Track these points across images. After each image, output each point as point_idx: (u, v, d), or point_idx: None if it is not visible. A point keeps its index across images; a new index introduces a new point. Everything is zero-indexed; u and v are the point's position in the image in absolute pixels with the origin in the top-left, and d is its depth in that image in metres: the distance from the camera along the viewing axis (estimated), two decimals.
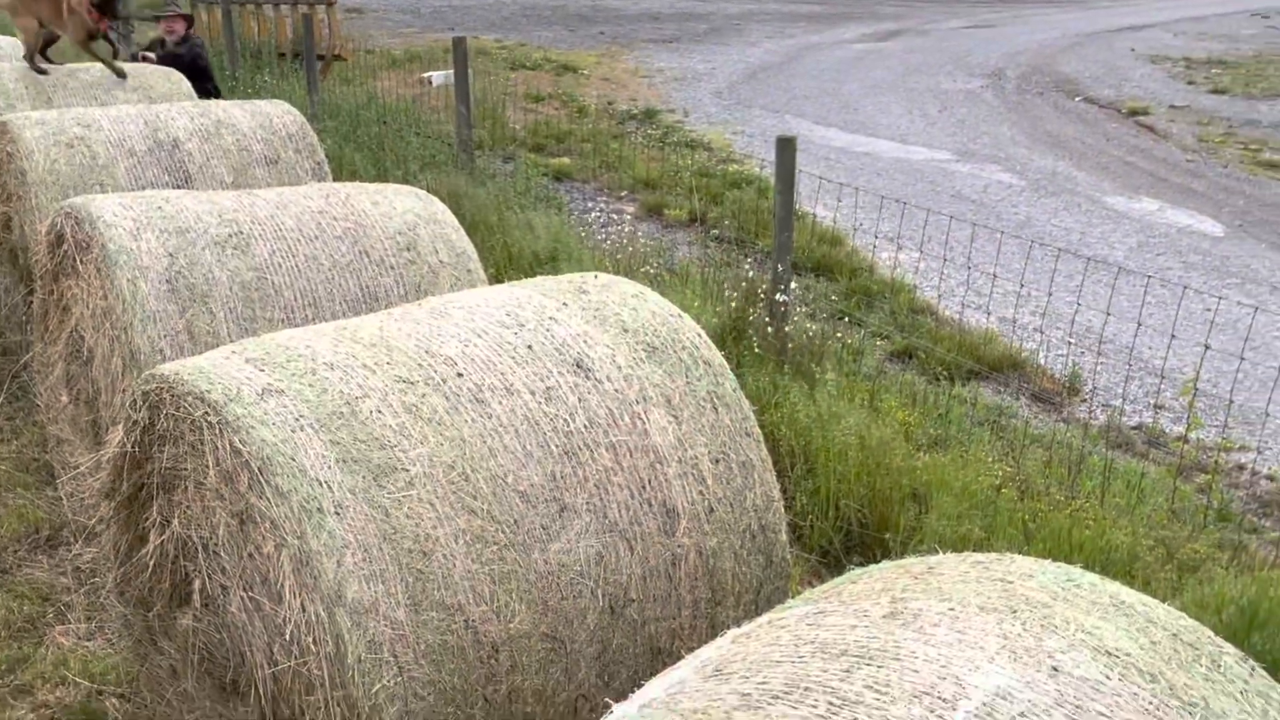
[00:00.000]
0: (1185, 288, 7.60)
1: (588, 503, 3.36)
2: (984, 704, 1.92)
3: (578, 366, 3.56)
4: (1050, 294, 7.47)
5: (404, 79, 15.38)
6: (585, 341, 3.65)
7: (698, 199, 11.33)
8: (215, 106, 7.13)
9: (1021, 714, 1.92)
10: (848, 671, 2.02)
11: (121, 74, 8.36)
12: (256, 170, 6.69)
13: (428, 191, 5.81)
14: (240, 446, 3.06)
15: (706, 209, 11.19)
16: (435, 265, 5.22)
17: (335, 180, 7.14)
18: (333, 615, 2.93)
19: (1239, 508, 6.32)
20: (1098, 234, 11.48)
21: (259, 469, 3.03)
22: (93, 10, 8.19)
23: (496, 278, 7.54)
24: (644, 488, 3.45)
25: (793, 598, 2.57)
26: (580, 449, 3.41)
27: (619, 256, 8.52)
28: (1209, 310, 8.26)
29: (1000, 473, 5.77)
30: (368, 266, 5.09)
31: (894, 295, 8.98)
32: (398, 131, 12.03)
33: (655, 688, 2.20)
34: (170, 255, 4.80)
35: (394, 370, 3.38)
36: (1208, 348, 5.92)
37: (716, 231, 10.57)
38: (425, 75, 16.58)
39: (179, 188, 6.39)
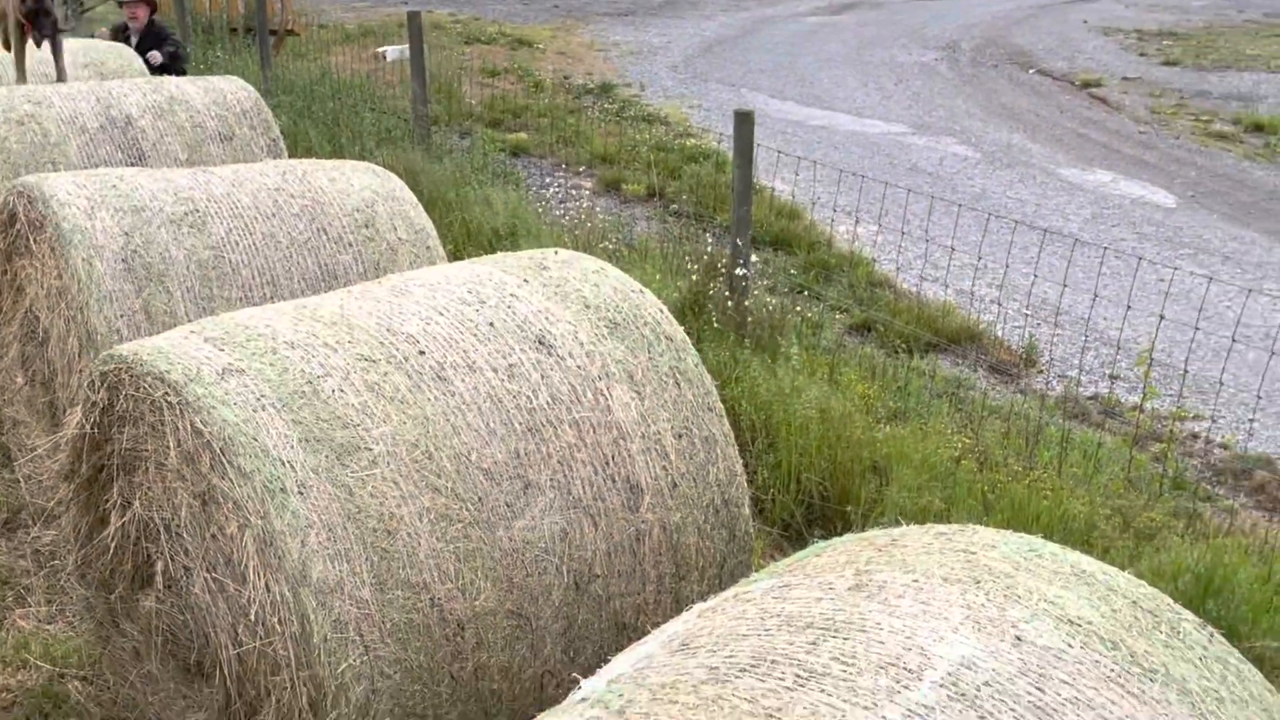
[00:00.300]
0: (1140, 259, 7.67)
1: (551, 479, 3.37)
2: (949, 674, 1.95)
3: (540, 343, 3.56)
4: (1007, 266, 7.53)
5: (358, 54, 15.23)
6: (547, 318, 3.65)
7: (656, 174, 11.31)
8: (168, 83, 7.03)
9: (986, 683, 1.94)
10: (814, 644, 2.04)
11: (23, 78, 8.01)
12: (211, 147, 6.62)
13: (385, 168, 5.77)
14: (201, 427, 3.05)
15: (665, 184, 11.17)
16: (394, 242, 5.19)
17: (290, 157, 7.07)
18: (298, 595, 2.93)
19: (1193, 476, 6.42)
20: (1053, 206, 11.56)
21: (221, 449, 3.01)
22: (23, 19, 7.97)
23: (455, 254, 7.51)
24: (607, 464, 3.46)
25: (756, 571, 2.59)
26: (543, 426, 3.41)
27: (578, 232, 8.50)
28: (1163, 281, 8.35)
29: (959, 444, 5.82)
30: (326, 244, 5.06)
31: (852, 268, 9.02)
32: (353, 107, 11.93)
33: (622, 663, 2.21)
34: (126, 234, 4.74)
35: (356, 349, 3.37)
36: (1162, 318, 5.99)
37: (675, 206, 10.57)
38: (380, 50, 16.44)
39: (132, 165, 6.30)
